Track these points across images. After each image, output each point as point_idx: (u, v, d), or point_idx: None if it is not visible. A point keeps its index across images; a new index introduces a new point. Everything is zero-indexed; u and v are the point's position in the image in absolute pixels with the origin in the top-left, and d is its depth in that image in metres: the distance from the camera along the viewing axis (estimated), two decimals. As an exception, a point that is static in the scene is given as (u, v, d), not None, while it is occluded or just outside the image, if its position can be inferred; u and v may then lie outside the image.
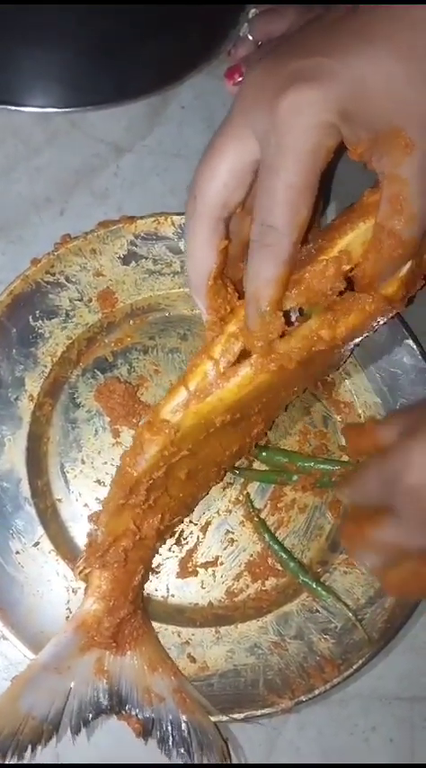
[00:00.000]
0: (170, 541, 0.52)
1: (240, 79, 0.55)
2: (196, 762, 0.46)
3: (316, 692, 0.48)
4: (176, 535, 0.52)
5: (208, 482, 0.51)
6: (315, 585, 0.50)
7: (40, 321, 0.52)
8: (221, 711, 0.48)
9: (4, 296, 0.51)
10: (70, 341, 0.52)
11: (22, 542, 0.50)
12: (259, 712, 0.48)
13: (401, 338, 0.52)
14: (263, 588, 0.52)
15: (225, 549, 0.52)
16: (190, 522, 0.52)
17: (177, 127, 0.58)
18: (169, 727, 0.46)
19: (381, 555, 0.46)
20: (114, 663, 0.47)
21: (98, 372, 0.53)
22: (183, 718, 0.46)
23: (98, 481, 0.52)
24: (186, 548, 0.52)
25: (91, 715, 0.46)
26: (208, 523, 0.52)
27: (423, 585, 0.47)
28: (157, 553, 0.51)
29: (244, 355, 0.44)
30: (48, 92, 0.57)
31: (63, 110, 0.57)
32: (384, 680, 0.52)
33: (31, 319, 0.52)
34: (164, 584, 0.51)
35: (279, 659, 0.50)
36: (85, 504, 0.52)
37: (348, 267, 0.43)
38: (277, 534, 0.52)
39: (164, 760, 0.46)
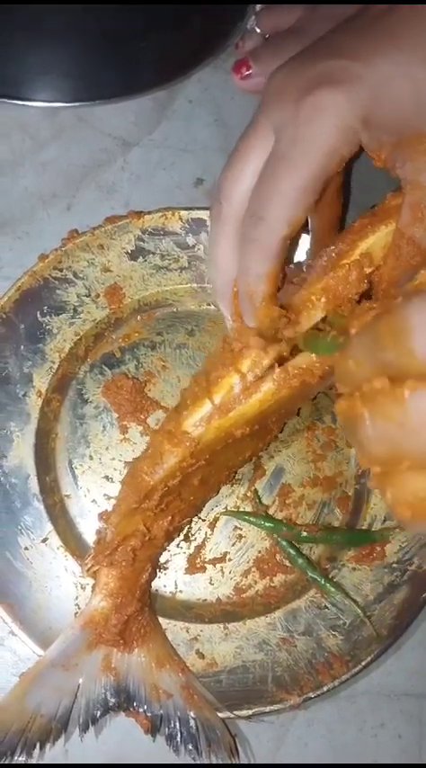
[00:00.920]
0: (178, 537, 0.51)
1: (248, 72, 0.55)
2: (204, 757, 0.46)
3: (325, 688, 0.48)
4: (184, 531, 0.52)
5: (218, 485, 0.51)
6: (323, 582, 0.50)
7: (48, 317, 0.52)
8: (229, 708, 0.48)
9: (12, 292, 0.51)
10: (78, 337, 0.52)
11: (30, 538, 0.50)
12: (267, 709, 0.48)
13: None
14: (272, 584, 0.52)
15: (233, 545, 0.52)
16: (199, 518, 0.52)
17: (184, 121, 0.58)
18: (177, 724, 0.46)
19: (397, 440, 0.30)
20: (122, 660, 0.47)
21: (106, 368, 0.53)
22: (191, 714, 0.46)
23: (106, 477, 0.52)
24: (194, 544, 0.52)
25: (99, 712, 0.46)
26: (216, 519, 0.52)
27: None
28: (166, 550, 0.51)
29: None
30: (54, 86, 0.57)
31: (70, 104, 0.57)
32: (392, 676, 0.52)
33: (38, 315, 0.51)
34: (173, 580, 0.51)
35: (288, 655, 0.49)
36: (93, 501, 0.52)
37: (369, 270, 0.43)
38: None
39: (172, 756, 0.46)
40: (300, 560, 0.51)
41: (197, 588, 0.51)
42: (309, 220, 0.47)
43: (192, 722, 0.46)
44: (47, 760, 0.45)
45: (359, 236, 0.43)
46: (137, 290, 0.53)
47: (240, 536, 0.52)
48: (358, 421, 0.30)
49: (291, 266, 0.51)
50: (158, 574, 0.51)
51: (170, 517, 0.47)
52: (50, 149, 0.57)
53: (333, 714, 0.52)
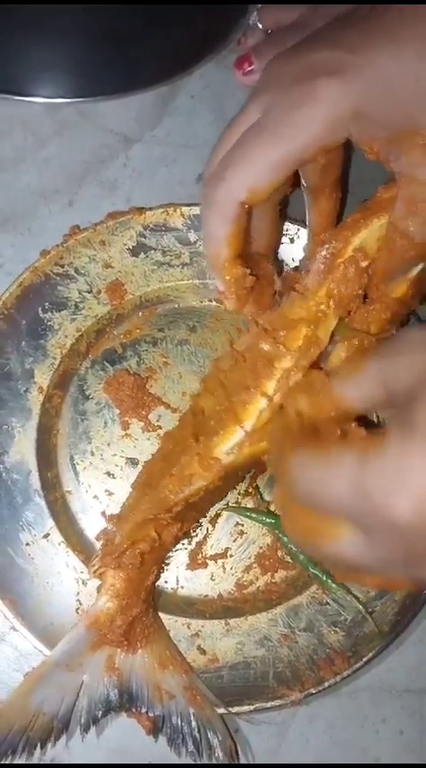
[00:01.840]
0: (179, 534, 0.52)
1: (250, 68, 0.55)
2: (204, 759, 0.46)
3: (326, 684, 0.48)
4: (186, 527, 0.52)
5: (228, 491, 0.52)
6: (325, 578, 0.50)
7: (50, 313, 0.52)
8: (231, 703, 0.48)
9: (14, 288, 0.51)
10: (79, 333, 0.52)
11: (32, 534, 0.50)
12: (268, 704, 0.48)
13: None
14: (273, 580, 0.52)
15: (234, 541, 0.52)
16: (200, 514, 0.52)
17: (186, 117, 0.58)
18: (179, 725, 0.46)
19: (331, 563, 0.39)
20: (125, 660, 0.47)
21: (107, 364, 0.53)
22: (193, 716, 0.46)
23: (107, 473, 0.52)
24: (196, 540, 0.52)
25: (101, 712, 0.46)
26: (217, 515, 0.52)
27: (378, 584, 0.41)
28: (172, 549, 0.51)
29: None
30: (56, 82, 0.57)
31: (71, 100, 0.57)
32: (394, 672, 0.52)
33: (40, 311, 0.51)
34: (174, 575, 0.51)
35: (289, 651, 0.49)
36: (95, 497, 0.52)
37: (365, 263, 0.43)
38: (287, 526, 0.52)
39: (173, 757, 0.46)
40: (301, 556, 0.51)
41: (198, 584, 0.52)
42: (307, 215, 0.47)
43: (194, 723, 0.46)
44: (48, 755, 0.46)
45: (351, 231, 0.43)
46: (138, 286, 0.53)
47: (241, 532, 0.52)
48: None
49: (290, 269, 0.51)
50: (160, 570, 0.51)
51: (180, 524, 0.47)
52: (52, 145, 0.57)
53: (335, 710, 0.52)
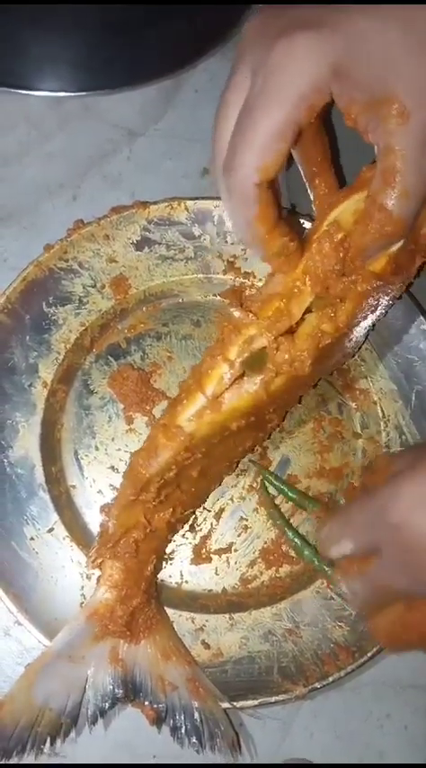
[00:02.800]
0: (184, 528, 0.51)
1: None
2: (207, 751, 0.46)
3: (331, 679, 0.48)
4: (190, 521, 0.52)
5: (220, 475, 0.51)
6: (330, 572, 0.50)
7: (54, 307, 0.52)
8: (235, 698, 0.48)
9: (18, 282, 0.51)
10: (83, 327, 0.52)
11: (36, 528, 0.50)
12: (273, 699, 0.48)
13: (417, 324, 0.52)
14: (277, 575, 0.52)
15: (239, 535, 0.52)
16: (204, 508, 0.52)
17: (190, 111, 0.58)
18: (182, 716, 0.46)
19: (368, 598, 0.44)
20: (128, 651, 0.47)
21: (111, 359, 0.53)
22: (196, 707, 0.46)
23: (112, 468, 0.52)
24: (200, 534, 0.52)
25: (107, 704, 0.46)
26: (221, 510, 0.52)
27: (411, 637, 0.44)
28: (171, 540, 0.51)
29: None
30: (60, 76, 0.57)
31: (75, 94, 0.56)
32: (398, 667, 0.52)
33: (44, 306, 0.51)
34: (178, 570, 0.51)
35: (294, 646, 0.49)
36: (99, 491, 0.52)
37: (340, 236, 0.43)
38: (291, 521, 0.52)
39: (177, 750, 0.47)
40: (306, 551, 0.50)
41: (202, 579, 0.52)
42: (298, 166, 0.47)
43: (197, 715, 0.46)
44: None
45: (330, 208, 0.43)
46: (142, 281, 0.53)
47: (246, 527, 0.52)
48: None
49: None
50: (164, 564, 0.51)
51: (171, 509, 0.47)
52: (56, 140, 0.57)
53: (339, 705, 0.52)
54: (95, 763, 0.50)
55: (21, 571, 0.49)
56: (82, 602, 0.49)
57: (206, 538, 0.52)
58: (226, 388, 0.43)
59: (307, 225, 0.51)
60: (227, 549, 0.52)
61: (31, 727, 0.44)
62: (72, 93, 0.56)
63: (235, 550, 0.52)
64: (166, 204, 0.52)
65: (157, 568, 0.49)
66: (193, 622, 0.50)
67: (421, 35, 0.37)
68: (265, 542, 0.52)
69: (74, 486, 0.52)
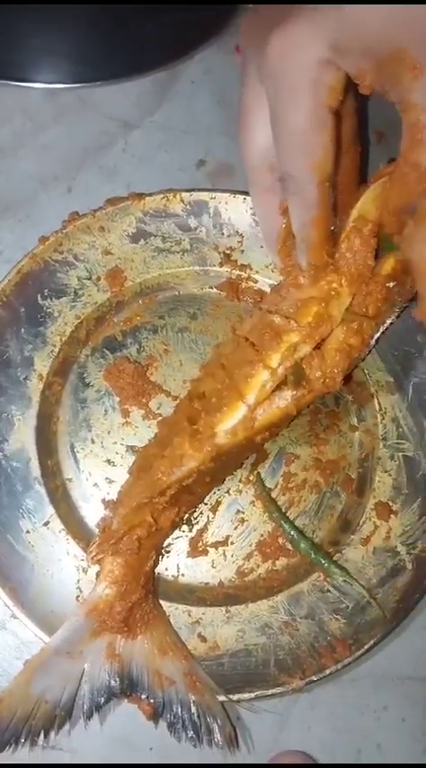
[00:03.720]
0: (180, 521, 0.51)
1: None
2: (204, 745, 0.46)
3: (327, 671, 0.48)
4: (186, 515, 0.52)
5: (226, 476, 0.51)
6: (327, 564, 0.50)
7: (49, 300, 0.51)
8: (232, 691, 0.47)
9: (13, 274, 0.50)
10: (79, 320, 0.52)
11: (32, 522, 0.50)
12: (270, 692, 0.48)
13: (414, 316, 0.52)
14: (274, 568, 0.51)
15: (235, 528, 0.52)
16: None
17: (186, 102, 0.58)
18: (179, 710, 0.46)
19: None
20: (125, 647, 0.47)
21: (107, 352, 0.53)
22: (193, 700, 0.46)
23: (108, 461, 0.52)
24: (196, 527, 0.52)
25: (103, 699, 0.46)
26: (218, 503, 0.52)
27: None
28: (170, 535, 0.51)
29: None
30: (55, 68, 0.56)
31: (71, 86, 0.56)
32: (396, 660, 0.52)
33: (39, 298, 0.51)
34: (175, 563, 0.51)
35: (290, 639, 0.49)
36: (95, 484, 0.51)
37: (368, 228, 0.43)
38: (288, 514, 0.52)
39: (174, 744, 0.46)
40: (303, 544, 0.50)
41: (199, 572, 0.51)
42: None
43: (194, 709, 0.46)
44: (49, 742, 0.46)
45: (351, 205, 0.43)
46: (138, 273, 0.53)
47: (242, 519, 0.52)
48: None
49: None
50: (160, 557, 0.51)
51: (177, 509, 0.47)
52: (51, 131, 0.56)
53: (336, 697, 0.52)
54: (94, 763, 0.50)
55: (17, 564, 0.49)
56: (78, 596, 0.49)
57: (202, 531, 0.52)
58: (267, 397, 0.44)
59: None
60: (224, 542, 0.52)
61: (27, 720, 0.44)
62: (67, 85, 0.56)
63: (232, 543, 0.52)
64: (162, 196, 0.52)
65: (156, 563, 0.49)
66: (190, 615, 0.50)
67: None
68: (262, 535, 0.52)
69: (70, 480, 0.52)
